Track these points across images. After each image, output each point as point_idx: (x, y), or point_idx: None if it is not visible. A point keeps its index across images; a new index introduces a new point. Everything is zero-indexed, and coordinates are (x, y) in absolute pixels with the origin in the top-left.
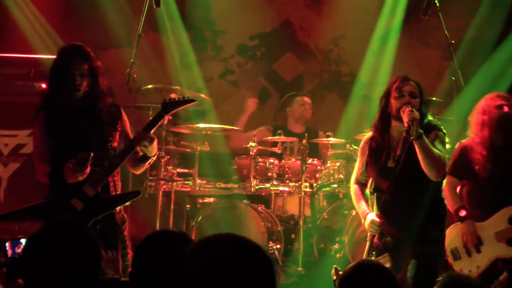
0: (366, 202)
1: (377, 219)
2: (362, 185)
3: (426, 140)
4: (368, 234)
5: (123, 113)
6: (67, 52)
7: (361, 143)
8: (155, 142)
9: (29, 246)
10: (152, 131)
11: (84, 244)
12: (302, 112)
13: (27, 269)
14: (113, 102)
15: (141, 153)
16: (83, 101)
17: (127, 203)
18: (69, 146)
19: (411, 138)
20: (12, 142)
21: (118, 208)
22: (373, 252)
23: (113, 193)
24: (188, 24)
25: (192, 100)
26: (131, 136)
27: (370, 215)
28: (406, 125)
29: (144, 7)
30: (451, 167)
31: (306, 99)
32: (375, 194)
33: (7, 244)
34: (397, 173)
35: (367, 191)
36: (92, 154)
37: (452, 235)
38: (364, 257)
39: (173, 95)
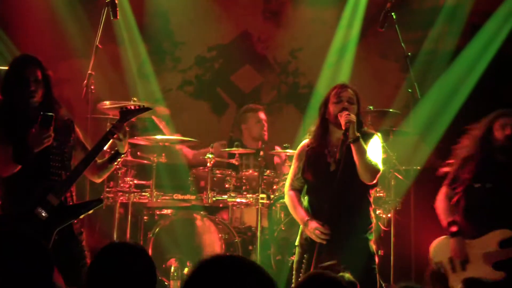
0: (304, 207)
1: (322, 228)
2: (297, 191)
3: (363, 143)
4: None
5: (76, 126)
6: (21, 61)
7: (298, 149)
8: (127, 137)
9: None
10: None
11: (36, 256)
12: (259, 131)
13: None
14: (66, 113)
15: (112, 151)
16: (38, 111)
17: (91, 211)
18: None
19: (349, 141)
20: None
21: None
22: (304, 255)
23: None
24: (146, 35)
25: (148, 108)
26: (88, 145)
27: (312, 223)
28: (343, 128)
29: (101, 18)
30: (450, 179)
31: (261, 114)
32: (307, 197)
33: None
34: (338, 177)
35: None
36: (54, 115)
37: (440, 247)
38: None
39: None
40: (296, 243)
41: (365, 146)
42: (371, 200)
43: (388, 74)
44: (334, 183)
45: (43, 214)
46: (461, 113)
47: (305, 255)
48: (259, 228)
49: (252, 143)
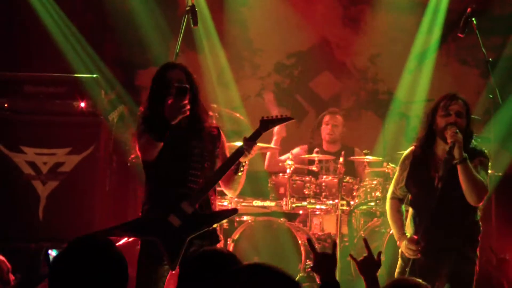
0: (402, 220)
1: (413, 246)
2: (399, 200)
3: (470, 164)
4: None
5: (222, 135)
6: (166, 66)
7: (402, 157)
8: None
9: (54, 262)
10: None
11: (109, 264)
12: (325, 133)
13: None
14: (214, 125)
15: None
16: (185, 118)
17: (224, 220)
18: (167, 163)
19: (454, 162)
20: (51, 160)
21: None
22: (406, 269)
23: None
24: (225, 43)
25: (290, 118)
26: (228, 155)
27: (405, 239)
28: (449, 143)
29: (181, 25)
30: None
31: (330, 117)
32: (411, 208)
33: (50, 252)
34: (439, 193)
35: (403, 207)
36: (188, 86)
37: None
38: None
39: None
40: (399, 255)
41: (471, 167)
42: (477, 217)
43: (468, 80)
44: (434, 199)
45: (177, 222)
46: None
47: (406, 269)
48: (339, 235)
49: (329, 146)
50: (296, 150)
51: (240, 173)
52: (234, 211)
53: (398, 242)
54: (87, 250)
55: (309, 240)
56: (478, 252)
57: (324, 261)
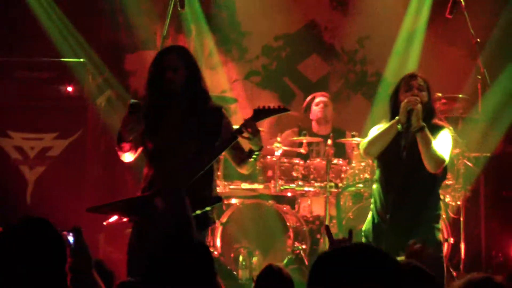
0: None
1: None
2: None
3: (428, 133)
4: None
5: (225, 116)
6: (163, 50)
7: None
8: (260, 135)
9: None
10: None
11: (44, 244)
12: (317, 112)
13: None
14: (216, 105)
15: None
16: (182, 101)
17: (208, 208)
18: (160, 145)
19: (412, 130)
20: (38, 145)
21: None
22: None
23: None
24: (213, 26)
25: (285, 109)
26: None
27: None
28: (399, 113)
29: (168, 9)
30: None
31: (321, 97)
32: (377, 186)
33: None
34: (404, 164)
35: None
36: (139, 102)
37: None
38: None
39: None
40: (363, 230)
41: (429, 135)
42: (439, 190)
43: (457, 61)
44: (402, 170)
45: (161, 204)
46: None
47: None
48: (327, 217)
49: (319, 128)
50: (287, 132)
51: (252, 160)
52: (218, 199)
53: (402, 109)
54: (22, 232)
55: (327, 227)
56: (440, 223)
57: None
